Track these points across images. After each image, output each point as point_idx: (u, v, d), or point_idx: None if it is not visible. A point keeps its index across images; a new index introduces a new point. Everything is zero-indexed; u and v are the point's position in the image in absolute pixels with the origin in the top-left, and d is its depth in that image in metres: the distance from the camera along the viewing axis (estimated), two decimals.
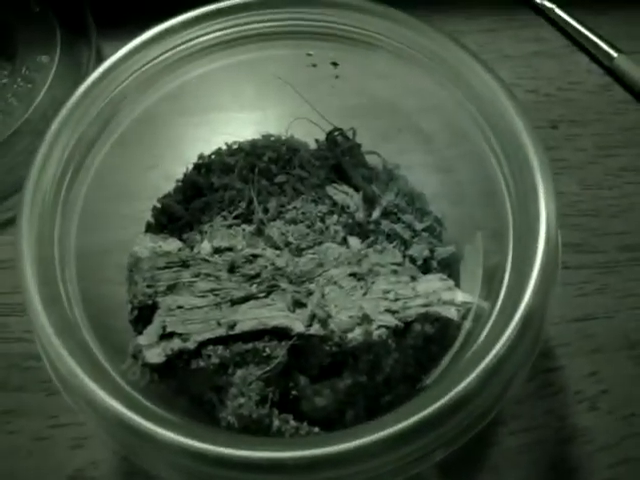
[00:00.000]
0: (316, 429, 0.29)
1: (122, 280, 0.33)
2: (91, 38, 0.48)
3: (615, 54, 0.47)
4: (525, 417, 0.37)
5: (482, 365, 0.25)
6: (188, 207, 0.35)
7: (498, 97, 0.31)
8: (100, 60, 0.48)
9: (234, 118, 0.40)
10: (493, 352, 0.26)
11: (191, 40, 0.34)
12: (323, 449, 0.24)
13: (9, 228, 0.43)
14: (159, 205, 0.36)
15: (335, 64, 0.35)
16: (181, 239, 0.34)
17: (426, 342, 0.31)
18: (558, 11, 0.49)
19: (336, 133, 0.36)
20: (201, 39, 0.34)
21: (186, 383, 0.29)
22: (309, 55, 0.35)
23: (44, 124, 0.44)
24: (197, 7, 0.34)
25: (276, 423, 0.28)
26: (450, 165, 0.36)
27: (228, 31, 0.34)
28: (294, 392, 0.29)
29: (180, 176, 0.37)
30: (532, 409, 0.37)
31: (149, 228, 0.36)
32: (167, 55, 0.34)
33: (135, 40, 0.33)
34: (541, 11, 0.50)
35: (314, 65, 0.35)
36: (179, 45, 0.34)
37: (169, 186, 0.37)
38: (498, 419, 0.36)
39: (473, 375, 0.25)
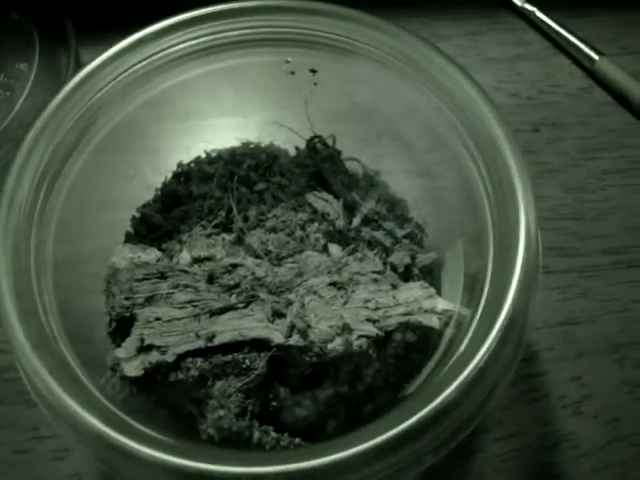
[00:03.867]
0: (297, 440, 0.29)
1: (100, 290, 0.32)
2: (70, 45, 0.47)
3: (596, 57, 0.47)
4: (509, 423, 0.37)
5: (464, 373, 0.25)
6: (167, 216, 0.35)
7: (476, 102, 0.31)
8: (79, 67, 0.47)
9: (213, 125, 0.39)
10: (475, 360, 0.25)
11: (169, 47, 0.34)
12: (305, 463, 0.24)
13: None
14: (138, 214, 0.36)
15: (314, 71, 0.35)
16: (160, 249, 0.33)
17: (407, 351, 0.31)
18: (539, 14, 0.49)
19: (316, 140, 0.36)
20: (179, 46, 0.34)
21: (165, 396, 0.29)
22: (287, 62, 0.35)
23: (23, 132, 0.44)
24: (174, 14, 0.34)
25: (257, 435, 0.28)
26: (430, 170, 0.36)
27: (206, 38, 0.34)
28: (274, 403, 0.29)
29: (159, 185, 0.37)
30: (516, 415, 0.37)
31: (128, 238, 0.35)
32: (145, 63, 0.33)
33: (113, 48, 0.33)
34: (522, 14, 0.50)
35: (292, 72, 0.35)
36: (157, 53, 0.34)
37: (148, 195, 0.37)
38: (482, 425, 0.36)
39: (455, 384, 0.25)
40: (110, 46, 0.44)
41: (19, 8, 0.49)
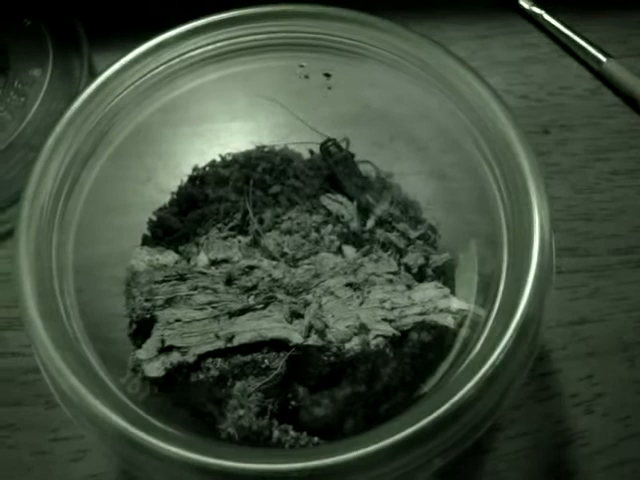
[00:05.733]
0: (315, 439, 0.29)
1: (118, 292, 0.33)
2: (83, 51, 0.48)
3: (604, 58, 0.48)
4: (522, 421, 0.37)
5: (480, 372, 0.26)
6: (184, 219, 0.35)
7: (488, 104, 0.32)
8: (92, 72, 0.49)
9: (226, 129, 0.40)
10: (491, 359, 0.26)
11: (184, 54, 0.34)
12: (328, 459, 0.24)
13: (5, 242, 0.43)
14: (155, 218, 0.36)
15: (328, 75, 0.36)
16: (177, 251, 0.34)
17: (423, 350, 0.31)
18: (547, 17, 0.50)
19: (329, 143, 0.36)
20: (194, 52, 0.34)
21: (186, 396, 0.29)
22: (302, 66, 0.35)
23: (38, 137, 0.45)
24: (185, 19, 0.34)
25: (276, 434, 0.29)
26: (443, 172, 0.36)
27: (221, 44, 0.34)
28: (293, 403, 0.30)
29: (173, 188, 0.37)
30: (529, 413, 0.37)
31: (145, 241, 0.36)
32: (160, 69, 0.34)
33: (129, 54, 0.33)
34: (530, 17, 0.51)
35: (307, 76, 0.36)
36: (173, 59, 0.34)
37: (162, 199, 0.37)
38: (496, 424, 0.36)
39: (472, 383, 0.25)
40: (122, 50, 0.45)
41: (32, 15, 0.49)
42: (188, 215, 0.36)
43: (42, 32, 0.49)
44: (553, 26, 0.50)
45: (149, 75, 0.34)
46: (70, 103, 0.32)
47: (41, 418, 0.37)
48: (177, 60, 0.34)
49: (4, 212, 0.44)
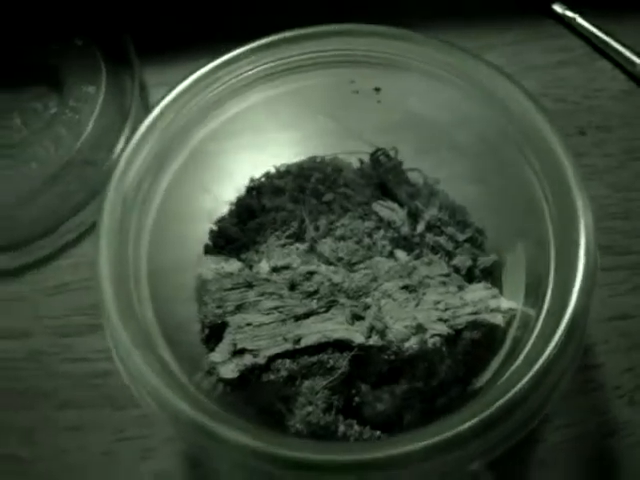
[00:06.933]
0: (378, 433, 0.31)
1: (187, 298, 0.35)
2: (134, 67, 0.50)
3: (638, 60, 0.49)
4: (567, 413, 0.38)
5: (534, 369, 0.27)
6: (243, 228, 0.37)
7: (527, 108, 0.33)
8: (143, 87, 0.51)
9: (275, 140, 0.41)
10: (544, 356, 0.27)
11: (239, 75, 0.36)
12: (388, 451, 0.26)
13: (65, 253, 0.45)
14: (216, 228, 0.38)
15: (377, 89, 0.37)
16: (239, 259, 0.36)
17: (475, 348, 0.33)
18: (580, 20, 0.51)
19: (379, 153, 0.38)
20: (249, 73, 0.36)
21: (256, 395, 0.31)
22: (352, 82, 0.37)
23: (93, 152, 0.47)
24: (230, 34, 0.36)
25: (341, 428, 0.30)
26: (486, 176, 0.38)
27: (274, 64, 0.36)
28: (356, 399, 0.32)
29: (229, 198, 0.39)
30: (575, 405, 0.38)
31: (207, 250, 0.38)
32: (218, 90, 0.36)
33: (186, 80, 0.35)
34: (564, 21, 0.52)
35: (356, 92, 0.37)
36: (229, 80, 0.36)
37: (219, 208, 0.39)
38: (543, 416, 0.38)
39: (526, 379, 0.27)
40: (170, 66, 0.47)
41: (82, 34, 0.51)
42: (247, 225, 0.37)
43: (93, 50, 0.51)
44: (587, 29, 0.51)
45: (211, 94, 0.36)
46: (137, 126, 0.34)
47: (108, 419, 0.39)
48: (233, 81, 0.36)
49: (63, 225, 0.46)
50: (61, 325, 0.42)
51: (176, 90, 0.35)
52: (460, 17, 0.51)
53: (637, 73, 0.49)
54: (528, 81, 0.34)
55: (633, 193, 0.45)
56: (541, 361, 0.27)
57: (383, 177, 0.38)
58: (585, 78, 0.50)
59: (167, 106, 0.34)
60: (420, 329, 0.31)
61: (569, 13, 0.52)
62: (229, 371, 0.30)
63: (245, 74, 0.36)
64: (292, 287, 0.33)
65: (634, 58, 0.49)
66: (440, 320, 0.32)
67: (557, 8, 0.52)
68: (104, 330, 0.30)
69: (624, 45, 0.50)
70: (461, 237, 0.37)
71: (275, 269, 0.34)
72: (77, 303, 0.43)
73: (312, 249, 0.36)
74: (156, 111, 0.34)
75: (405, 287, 0.33)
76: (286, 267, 0.34)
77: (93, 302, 0.41)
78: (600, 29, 0.51)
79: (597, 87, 0.49)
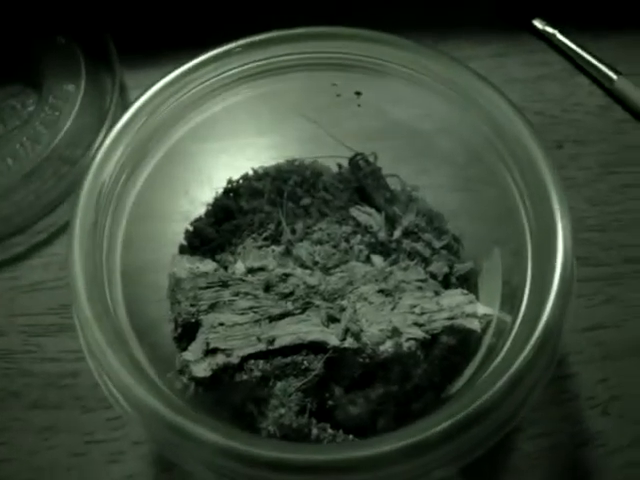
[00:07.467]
0: (351, 437, 0.31)
1: (159, 298, 0.34)
2: (114, 67, 0.50)
3: (615, 76, 0.50)
4: (541, 423, 0.38)
5: (507, 375, 0.27)
6: (219, 229, 0.37)
7: (510, 117, 0.33)
8: (123, 89, 0.50)
9: (254, 144, 0.41)
10: (516, 365, 0.27)
11: (218, 75, 0.36)
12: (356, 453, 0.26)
13: (39, 251, 0.45)
14: (191, 228, 0.38)
15: (358, 93, 0.37)
16: (214, 260, 0.36)
17: (450, 353, 0.33)
18: (560, 36, 0.52)
19: (358, 158, 0.38)
20: (228, 73, 0.36)
21: (229, 395, 0.31)
22: (334, 85, 0.37)
23: (70, 150, 0.47)
24: (210, 35, 0.36)
25: (314, 431, 0.30)
26: (466, 184, 0.38)
27: (254, 64, 0.36)
28: (330, 402, 0.31)
29: (206, 200, 0.39)
30: (548, 414, 0.38)
31: (182, 250, 0.37)
32: (196, 90, 0.36)
33: (165, 78, 0.35)
34: (544, 37, 0.53)
35: (338, 95, 0.37)
36: (207, 80, 0.36)
37: (195, 210, 0.39)
38: (517, 425, 0.38)
39: (498, 385, 0.27)
40: (151, 67, 0.47)
41: (65, 33, 0.51)
42: (223, 226, 0.37)
43: (75, 49, 0.51)
44: (566, 45, 0.52)
45: (186, 95, 0.35)
46: (114, 124, 0.34)
47: (78, 421, 0.39)
48: (212, 81, 0.36)
49: (38, 223, 0.46)
50: (33, 324, 0.42)
51: (153, 89, 0.34)
52: (441, 28, 0.52)
53: (614, 89, 0.50)
54: (509, 94, 0.34)
55: (609, 207, 0.46)
56: (514, 368, 0.27)
57: (362, 182, 0.38)
58: (563, 93, 0.51)
59: (143, 105, 0.34)
60: (395, 333, 0.31)
61: (549, 29, 0.52)
62: (201, 370, 0.29)
63: (225, 74, 0.36)
64: (267, 288, 0.32)
65: (611, 74, 0.50)
66: (416, 324, 0.32)
67: (537, 24, 0.53)
68: (76, 329, 0.30)
69: (602, 62, 0.50)
70: (438, 244, 0.37)
71: (250, 270, 0.34)
72: (49, 302, 0.43)
73: (288, 252, 0.36)
74: (132, 109, 0.34)
75: (381, 291, 0.33)
76: (262, 269, 0.34)
77: (65, 302, 0.41)
78: (579, 45, 0.51)
79: (575, 102, 0.50)
